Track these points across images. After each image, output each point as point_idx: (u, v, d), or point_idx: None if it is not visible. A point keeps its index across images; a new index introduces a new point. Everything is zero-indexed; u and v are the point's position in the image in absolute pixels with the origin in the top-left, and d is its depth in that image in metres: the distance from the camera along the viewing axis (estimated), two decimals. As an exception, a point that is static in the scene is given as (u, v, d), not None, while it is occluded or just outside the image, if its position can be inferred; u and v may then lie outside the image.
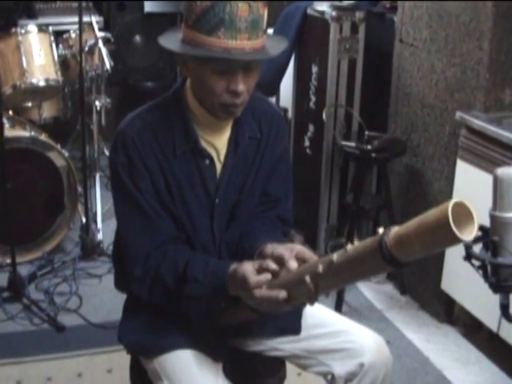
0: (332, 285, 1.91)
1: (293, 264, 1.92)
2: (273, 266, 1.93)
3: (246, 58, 1.95)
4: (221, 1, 1.88)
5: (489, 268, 1.81)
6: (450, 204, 1.46)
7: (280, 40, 2.15)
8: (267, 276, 1.91)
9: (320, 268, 1.79)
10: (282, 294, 1.88)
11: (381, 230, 1.64)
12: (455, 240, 1.47)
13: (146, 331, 2.19)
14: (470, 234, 1.49)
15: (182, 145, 2.10)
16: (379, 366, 2.17)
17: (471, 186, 3.33)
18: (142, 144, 2.07)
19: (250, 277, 1.90)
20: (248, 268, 1.93)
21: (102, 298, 3.88)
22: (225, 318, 2.16)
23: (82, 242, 4.35)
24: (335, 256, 1.76)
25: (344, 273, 1.77)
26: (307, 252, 1.98)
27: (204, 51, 1.93)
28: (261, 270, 1.93)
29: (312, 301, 1.90)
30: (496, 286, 1.81)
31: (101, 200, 4.66)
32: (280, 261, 1.95)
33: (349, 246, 1.73)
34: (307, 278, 1.82)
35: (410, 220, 1.58)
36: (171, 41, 2.04)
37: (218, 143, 2.16)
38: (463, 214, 1.50)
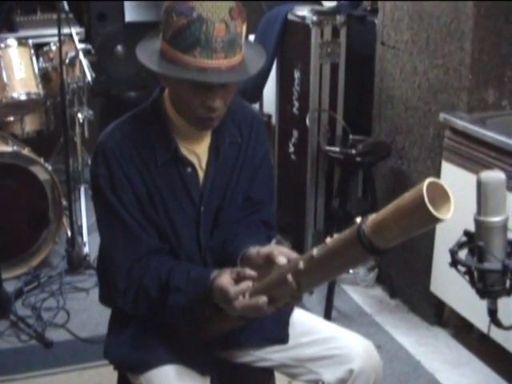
0: (315, 280, 1.89)
1: (282, 259, 1.91)
2: (250, 272, 1.91)
3: (221, 79, 1.93)
4: (197, 19, 1.86)
5: (475, 273, 1.79)
6: (425, 183, 1.45)
7: (258, 53, 2.11)
8: (248, 283, 1.89)
9: (301, 264, 1.78)
10: (262, 299, 1.86)
11: (358, 220, 1.63)
12: (432, 219, 1.47)
13: (132, 347, 2.16)
14: (446, 212, 1.49)
15: (162, 154, 2.08)
16: (369, 371, 2.15)
17: (457, 187, 3.27)
18: (123, 155, 2.05)
19: (229, 289, 1.89)
20: (225, 280, 1.91)
21: (89, 312, 3.85)
22: (211, 327, 2.14)
23: (68, 255, 4.31)
24: (315, 251, 1.75)
25: (325, 266, 1.76)
26: (291, 253, 1.98)
27: (179, 70, 1.91)
28: (238, 279, 1.91)
29: (296, 299, 1.90)
30: (483, 292, 1.79)
31: (86, 213, 4.63)
32: (268, 259, 1.95)
33: (328, 239, 1.72)
34: (289, 277, 1.80)
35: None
36: (149, 53, 2.02)
37: (198, 150, 2.15)
38: (439, 194, 1.50)
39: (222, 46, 1.89)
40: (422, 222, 1.51)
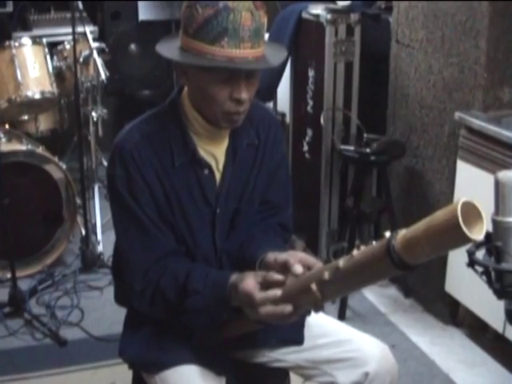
0: (338, 291, 1.87)
1: (298, 268, 1.88)
2: (277, 276, 1.89)
3: (249, 66, 1.93)
4: (224, 9, 1.86)
5: (492, 274, 1.77)
6: (459, 204, 1.43)
7: (278, 48, 2.14)
8: (276, 292, 1.86)
9: (326, 275, 1.76)
10: (288, 308, 1.84)
11: (387, 234, 1.61)
12: (465, 240, 1.45)
13: (148, 346, 2.16)
14: (479, 232, 1.47)
15: (180, 155, 2.07)
16: (384, 374, 2.14)
17: (472, 187, 3.31)
18: (140, 156, 2.04)
19: (255, 294, 1.86)
20: (251, 284, 1.88)
21: (103, 310, 3.86)
22: (228, 330, 2.13)
23: (82, 254, 4.32)
24: (341, 262, 1.73)
25: (351, 279, 1.74)
26: (310, 258, 1.95)
27: (207, 60, 1.91)
28: (265, 283, 1.89)
29: (318, 308, 1.87)
30: (500, 292, 1.77)
31: (100, 211, 4.64)
32: (284, 267, 1.92)
33: (355, 252, 1.70)
34: (313, 286, 1.78)
35: (416, 222, 1.55)
36: (170, 49, 2.02)
37: (216, 152, 2.13)
38: (471, 213, 1.48)
39: (248, 35, 1.89)
40: (455, 242, 1.49)
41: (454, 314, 3.75)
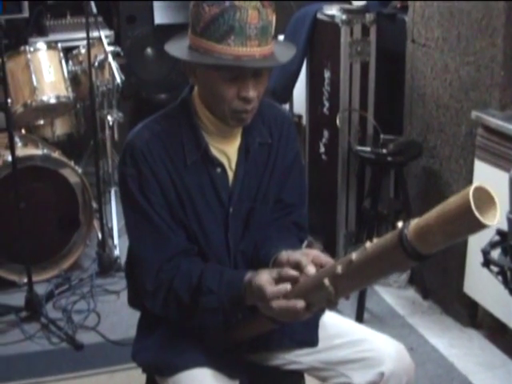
0: (352, 286, 1.84)
1: (311, 269, 1.87)
2: (292, 272, 1.88)
3: (256, 65, 1.93)
4: (230, 7, 1.86)
5: (508, 274, 1.74)
6: (471, 189, 1.41)
7: (288, 46, 2.13)
8: (286, 286, 1.86)
9: (339, 269, 1.73)
10: (300, 303, 1.83)
11: (400, 224, 1.58)
12: (479, 226, 1.42)
13: (160, 350, 2.15)
14: (493, 218, 1.44)
15: (192, 154, 2.06)
16: (400, 374, 2.11)
17: (490, 186, 3.26)
18: (152, 155, 2.03)
19: (267, 287, 1.86)
20: (264, 278, 1.88)
21: (120, 314, 3.85)
22: (242, 330, 2.12)
23: (98, 258, 4.32)
24: (354, 255, 1.70)
25: (364, 271, 1.71)
26: (323, 257, 1.94)
27: (214, 59, 1.91)
28: (279, 279, 1.88)
29: (332, 305, 1.85)
30: (516, 292, 1.75)
31: (117, 215, 4.63)
32: (297, 267, 1.91)
33: (367, 244, 1.68)
34: (326, 281, 1.76)
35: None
36: (178, 48, 2.02)
37: (228, 151, 2.13)
38: (484, 198, 1.45)
39: (255, 33, 1.89)
40: (468, 228, 1.46)
41: (472, 315, 3.72)
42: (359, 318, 3.75)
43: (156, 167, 2.04)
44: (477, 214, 1.39)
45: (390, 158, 3.74)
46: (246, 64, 1.90)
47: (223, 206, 2.12)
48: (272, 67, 2.02)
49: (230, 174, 2.13)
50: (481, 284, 3.42)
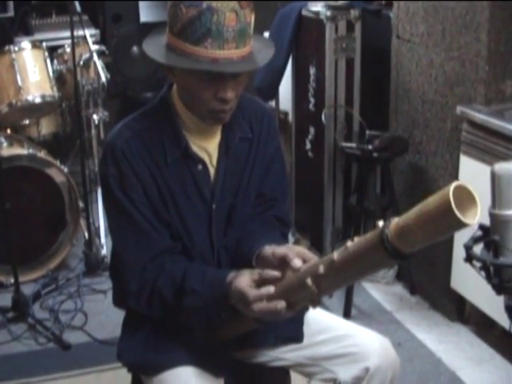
0: (335, 285, 1.85)
1: (297, 262, 1.87)
2: (273, 272, 1.88)
3: (234, 69, 1.92)
4: (207, 10, 1.84)
5: (491, 269, 1.74)
6: (451, 188, 1.40)
7: (267, 44, 2.11)
8: (269, 289, 1.86)
9: (321, 268, 1.74)
10: (281, 304, 1.84)
11: (380, 223, 1.58)
12: (459, 225, 1.43)
13: (145, 349, 2.14)
14: (473, 217, 1.45)
15: (172, 151, 2.06)
16: (385, 368, 2.12)
17: (476, 181, 3.23)
18: (132, 154, 2.03)
19: (249, 292, 1.86)
20: (244, 281, 1.89)
21: (107, 314, 3.83)
22: (226, 329, 2.12)
23: (85, 257, 4.31)
24: (336, 254, 1.71)
25: (346, 271, 1.72)
26: (307, 253, 1.94)
27: (190, 62, 1.90)
28: (261, 280, 1.88)
29: (315, 303, 1.86)
30: (499, 287, 1.75)
31: (103, 214, 4.60)
32: (283, 261, 1.91)
33: (349, 243, 1.68)
34: (309, 281, 1.76)
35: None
36: (156, 46, 2.02)
37: (209, 147, 2.12)
38: (465, 197, 1.45)
39: (233, 36, 1.88)
40: (448, 227, 1.46)
41: (460, 310, 3.72)
42: (347, 314, 3.75)
43: (136, 165, 2.03)
44: (457, 213, 1.39)
45: (375, 154, 3.74)
46: (222, 69, 1.89)
47: (206, 202, 2.12)
48: (249, 71, 2.00)
49: (212, 171, 2.13)
50: (468, 279, 3.42)
